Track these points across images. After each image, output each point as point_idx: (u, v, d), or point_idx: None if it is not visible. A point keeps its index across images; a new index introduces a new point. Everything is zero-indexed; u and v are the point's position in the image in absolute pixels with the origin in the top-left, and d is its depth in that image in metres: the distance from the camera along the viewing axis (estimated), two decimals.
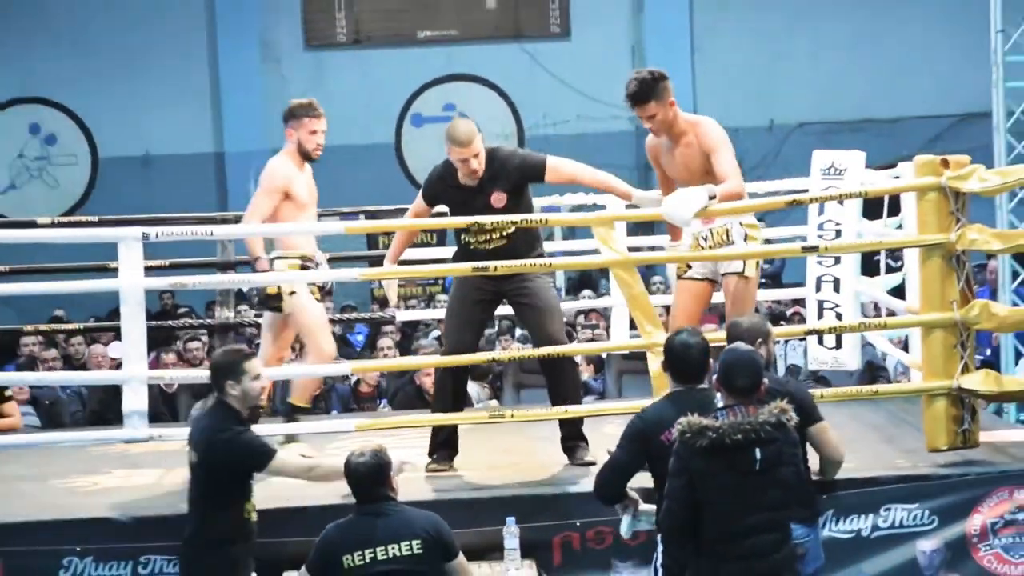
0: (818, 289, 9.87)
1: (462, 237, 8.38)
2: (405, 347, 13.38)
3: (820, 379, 11.04)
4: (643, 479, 6.68)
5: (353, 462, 6.55)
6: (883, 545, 7.81)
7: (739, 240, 8.20)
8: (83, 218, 14.17)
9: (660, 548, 6.63)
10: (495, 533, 7.36)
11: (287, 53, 21.37)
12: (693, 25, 20.92)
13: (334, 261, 9.89)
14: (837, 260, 9.72)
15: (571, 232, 14.62)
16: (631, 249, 9.32)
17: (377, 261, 8.98)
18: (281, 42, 21.37)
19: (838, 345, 9.77)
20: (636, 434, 6.55)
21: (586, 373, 11.81)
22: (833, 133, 19.61)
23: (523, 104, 21.44)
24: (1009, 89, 10.97)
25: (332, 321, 13.24)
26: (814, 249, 8.97)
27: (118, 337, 9.58)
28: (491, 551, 7.41)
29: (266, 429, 7.89)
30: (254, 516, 6.95)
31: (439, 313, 13.39)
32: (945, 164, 7.96)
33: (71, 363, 13.17)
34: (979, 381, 7.98)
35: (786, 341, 12.05)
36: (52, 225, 12.37)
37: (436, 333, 13.54)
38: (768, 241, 9.67)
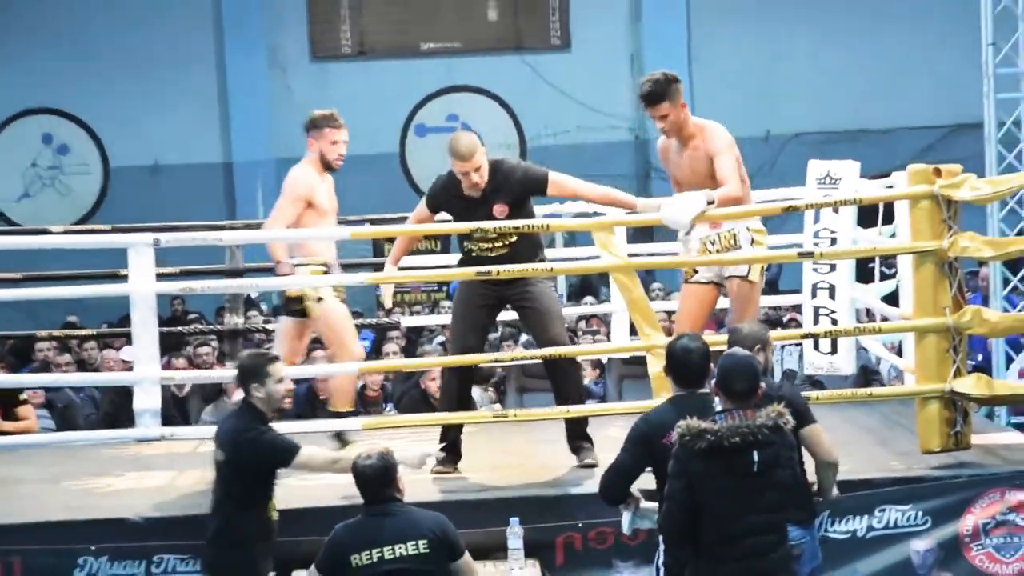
0: (814, 295, 9.89)
1: (465, 245, 8.41)
2: (410, 352, 13.39)
3: (816, 383, 11.05)
4: (645, 479, 6.70)
5: (360, 464, 6.57)
6: (878, 545, 7.82)
7: (746, 244, 8.25)
8: (95, 226, 14.20)
9: (662, 547, 6.64)
10: (499, 533, 7.37)
11: (293, 64, 21.38)
12: (691, 36, 20.93)
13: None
14: (832, 267, 9.74)
15: (572, 239, 14.66)
16: (631, 255, 9.34)
17: (382, 267, 8.99)
18: (287, 54, 21.39)
19: (833, 350, 9.79)
20: (640, 437, 6.57)
21: (588, 377, 11.82)
22: (828, 143, 19.63)
23: (524, 114, 21.45)
24: (1000, 100, 10.98)
25: None
26: (810, 255, 9.00)
27: (130, 342, 9.60)
28: (495, 551, 7.42)
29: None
30: (275, 516, 6.98)
31: (443, 319, 13.45)
32: (938, 173, 7.99)
33: (84, 368, 13.19)
34: (971, 385, 8.00)
35: (783, 346, 12.05)
36: (65, 233, 12.43)
37: (440, 338, 13.57)
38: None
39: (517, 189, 8.31)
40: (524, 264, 8.23)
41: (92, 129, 21.27)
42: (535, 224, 8.27)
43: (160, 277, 8.96)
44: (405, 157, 21.37)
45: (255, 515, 6.90)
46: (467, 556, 6.63)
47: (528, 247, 8.35)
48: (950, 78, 19.17)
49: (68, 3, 20.64)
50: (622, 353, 11.19)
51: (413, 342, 13.94)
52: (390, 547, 6.45)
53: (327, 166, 8.62)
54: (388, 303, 8.81)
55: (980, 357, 11.21)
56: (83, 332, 13.91)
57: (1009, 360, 11.02)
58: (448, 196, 8.43)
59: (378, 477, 6.56)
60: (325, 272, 8.52)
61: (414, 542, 6.47)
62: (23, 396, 10.51)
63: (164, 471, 8.91)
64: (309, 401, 11.53)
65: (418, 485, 7.56)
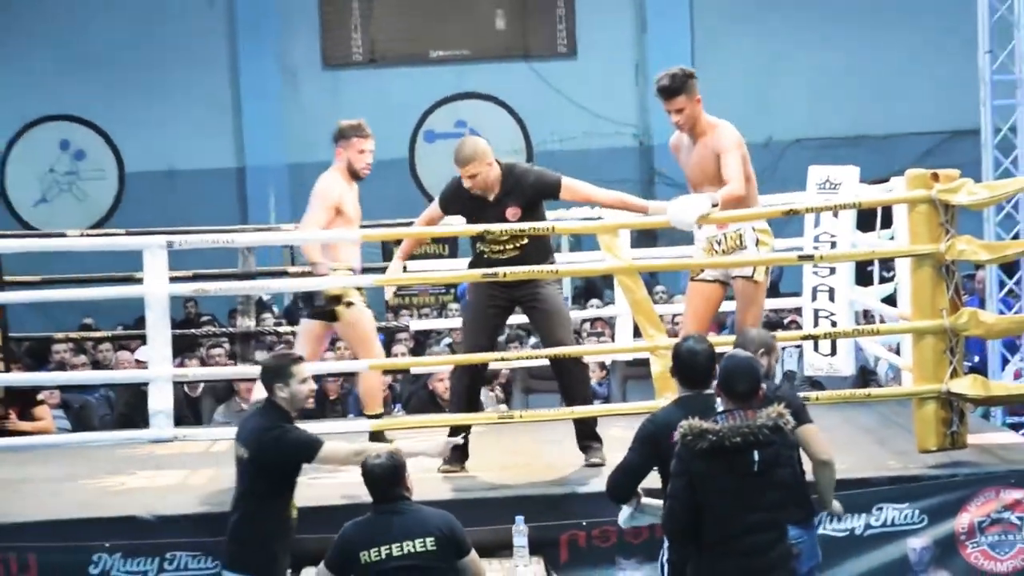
0: (814, 298, 9.89)
1: (477, 246, 8.44)
2: (418, 354, 13.38)
3: (815, 384, 11.04)
4: (650, 478, 6.70)
5: (370, 464, 6.58)
6: (875, 543, 7.83)
7: (751, 245, 8.25)
8: (111, 230, 14.21)
9: (666, 545, 6.63)
10: (505, 531, 7.38)
11: (305, 72, 21.39)
12: (694, 45, 20.92)
13: None
14: (832, 270, 9.73)
15: (577, 244, 14.66)
16: (635, 259, 9.34)
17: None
18: (300, 61, 21.39)
19: (833, 352, 9.79)
20: (647, 437, 6.56)
21: (593, 378, 11.82)
22: (828, 149, 19.58)
23: (531, 121, 21.44)
24: (996, 107, 10.97)
25: None
26: (810, 258, 9.00)
27: (144, 344, 9.61)
28: (501, 548, 7.42)
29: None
30: (295, 514, 6.99)
31: (451, 322, 13.46)
32: (935, 178, 7.99)
33: (99, 368, 13.19)
34: (967, 386, 8.00)
35: (783, 348, 12.04)
36: (81, 236, 12.43)
37: (448, 340, 13.57)
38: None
39: (530, 193, 8.33)
40: (530, 266, 8.24)
41: (108, 135, 21.28)
42: (540, 227, 8.27)
43: (174, 280, 8.97)
44: (414, 163, 21.37)
45: (276, 512, 6.90)
46: (474, 553, 6.63)
47: (538, 250, 8.37)
48: (948, 85, 19.15)
49: (86, 15, 20.64)
50: (626, 354, 11.19)
51: (421, 344, 13.94)
52: (399, 544, 6.46)
53: (354, 175, 8.65)
54: (387, 296, 8.75)
55: (976, 358, 11.20)
56: (99, 334, 13.93)
57: (1005, 361, 11.00)
58: (460, 198, 8.45)
59: (387, 476, 6.56)
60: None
61: (422, 539, 6.47)
62: (40, 397, 10.52)
63: (176, 470, 8.92)
64: (319, 401, 11.54)
65: (426, 484, 7.57)
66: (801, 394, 7.60)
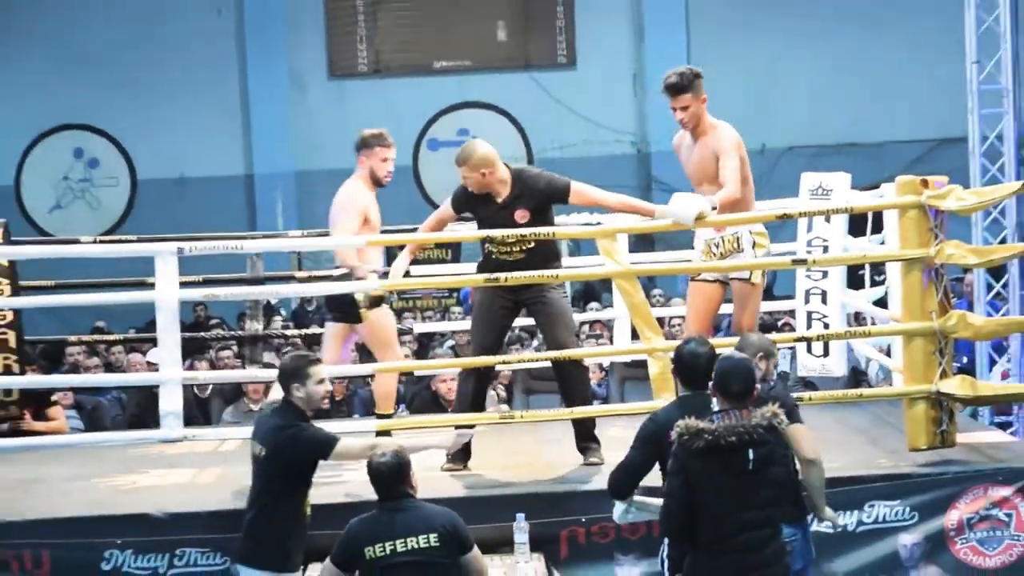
0: (807, 301, 9.87)
1: (486, 247, 8.48)
2: (422, 356, 13.38)
3: (808, 384, 11.04)
4: (649, 477, 6.69)
5: (375, 462, 6.57)
6: (867, 539, 7.83)
7: (748, 247, 8.28)
8: (123, 237, 14.21)
9: (666, 540, 6.62)
10: (506, 528, 7.37)
11: (312, 82, 21.40)
12: (690, 57, 20.89)
13: None
14: (824, 274, 9.72)
15: (577, 248, 14.64)
16: (633, 263, 9.33)
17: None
18: (307, 72, 21.40)
19: (826, 353, 9.77)
20: (649, 436, 6.56)
21: (592, 379, 11.82)
22: (821, 156, 19.62)
23: (532, 129, 21.45)
24: (983, 115, 10.97)
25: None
26: (803, 262, 8.99)
27: (155, 346, 9.61)
28: (503, 545, 7.41)
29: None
30: (309, 511, 6.98)
31: (453, 324, 13.46)
32: (925, 184, 7.99)
33: (112, 370, 13.19)
34: (956, 386, 7.99)
35: (776, 349, 12.02)
36: (94, 242, 12.44)
37: (451, 343, 13.56)
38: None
39: (539, 197, 8.35)
40: (530, 272, 8.25)
41: (121, 144, 21.30)
42: (541, 231, 8.27)
43: (184, 285, 8.98)
44: (418, 170, 21.36)
45: (292, 509, 6.89)
46: (476, 550, 6.62)
47: (544, 253, 8.38)
48: (936, 94, 19.16)
49: (99, 28, 20.66)
50: (624, 356, 11.18)
51: (425, 346, 13.93)
52: (402, 540, 6.45)
53: (376, 182, 8.66)
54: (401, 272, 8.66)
55: (965, 359, 11.19)
56: (111, 337, 13.92)
57: (992, 362, 11.00)
58: (470, 198, 8.48)
59: (392, 474, 6.56)
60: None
61: (425, 536, 6.46)
62: (54, 398, 10.52)
63: (186, 469, 8.93)
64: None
65: (430, 482, 7.56)
66: (794, 394, 7.59)
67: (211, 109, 20.90)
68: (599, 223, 9.64)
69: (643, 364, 8.52)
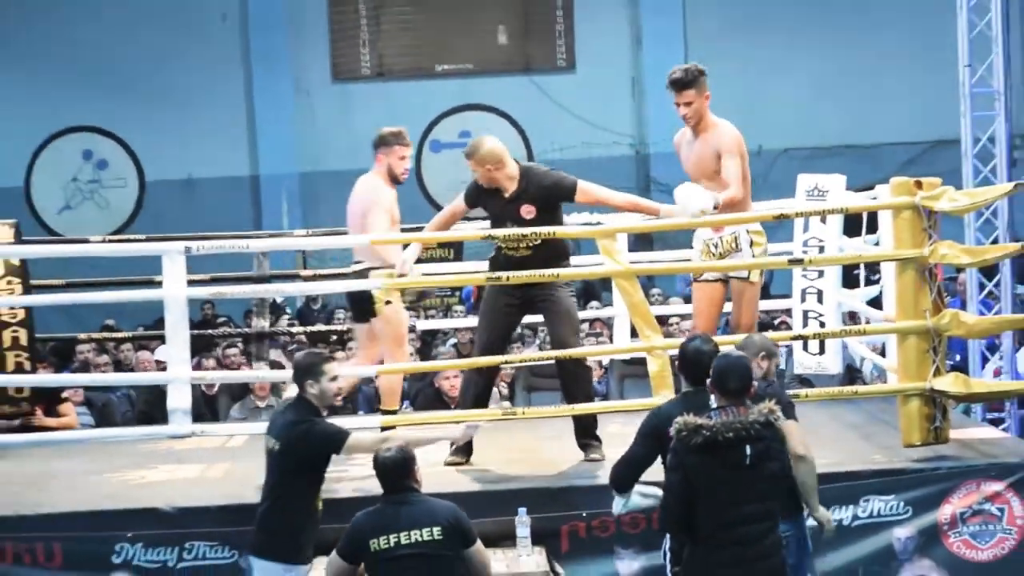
0: (803, 300, 9.89)
1: (496, 241, 8.49)
2: (425, 354, 13.39)
3: (804, 381, 11.05)
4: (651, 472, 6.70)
5: (381, 456, 6.59)
6: (862, 533, 7.84)
7: (745, 247, 8.30)
8: (131, 236, 14.21)
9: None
10: (508, 523, 7.39)
11: (316, 85, 21.38)
12: (687, 59, 20.80)
13: None
14: (820, 273, 9.73)
15: (577, 248, 14.63)
16: (632, 263, 9.34)
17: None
18: (311, 75, 21.38)
19: (821, 351, 9.79)
20: (652, 430, 6.57)
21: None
22: (816, 158, 19.61)
23: (532, 131, 21.43)
24: (975, 118, 10.96)
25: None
26: (799, 262, 9.00)
27: (163, 344, 9.61)
28: (505, 539, 7.43)
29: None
30: (321, 506, 6.98)
31: (456, 322, 13.47)
32: (919, 185, 7.99)
33: (121, 368, 13.19)
34: (949, 383, 8.00)
35: None
36: (103, 242, 12.45)
37: (453, 340, 13.56)
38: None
39: (545, 193, 8.38)
40: (538, 269, 8.26)
41: (129, 146, 21.29)
42: (541, 231, 8.28)
43: (192, 283, 8.98)
44: (421, 171, 21.34)
45: (304, 503, 6.90)
46: (479, 543, 6.64)
47: (551, 251, 8.39)
48: (929, 97, 19.14)
49: (108, 33, 20.60)
50: (623, 354, 11.18)
51: (428, 344, 13.94)
52: (407, 533, 6.47)
53: (394, 179, 8.67)
54: (408, 268, 8.64)
55: (958, 357, 11.19)
56: (120, 334, 13.92)
57: (985, 360, 11.00)
58: (481, 193, 8.52)
59: (397, 468, 6.57)
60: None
61: (429, 529, 6.48)
62: (64, 395, 10.52)
63: (195, 464, 8.93)
64: None
65: (434, 477, 7.55)
66: (791, 391, 7.60)
67: (217, 112, 20.89)
68: (599, 223, 9.65)
69: (642, 362, 8.52)
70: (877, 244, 9.45)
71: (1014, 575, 7.91)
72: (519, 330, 12.34)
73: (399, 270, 8.33)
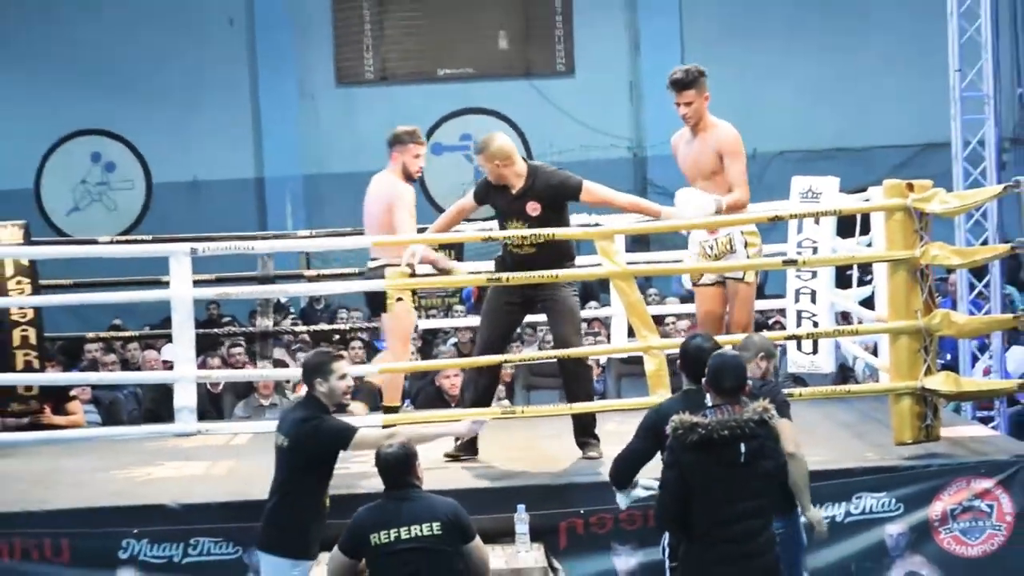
0: (797, 300, 9.88)
1: (502, 238, 8.51)
2: (426, 353, 13.39)
3: (798, 380, 11.04)
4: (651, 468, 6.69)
5: (383, 452, 6.58)
6: (855, 529, 7.83)
7: (740, 248, 8.31)
8: (138, 237, 14.21)
9: None
10: (507, 519, 7.39)
11: (321, 89, 21.38)
12: (684, 64, 20.91)
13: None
14: (814, 274, 9.72)
15: (576, 249, 14.62)
16: (629, 263, 9.33)
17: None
18: (315, 79, 21.38)
19: (815, 350, 9.78)
20: (652, 426, 6.57)
21: None
22: (810, 160, 19.59)
23: (532, 134, 21.41)
24: (966, 121, 10.97)
25: (359, 329, 13.31)
26: (793, 262, 9.00)
27: (170, 343, 9.60)
28: (504, 535, 7.43)
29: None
30: (328, 502, 6.97)
31: (456, 322, 13.46)
32: (910, 188, 7.99)
33: (128, 367, 13.20)
34: (940, 382, 8.00)
35: None
36: (111, 243, 12.45)
37: (454, 340, 13.55)
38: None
39: (551, 191, 8.39)
40: (541, 269, 8.27)
41: (136, 148, 21.28)
42: (542, 233, 8.27)
43: (197, 284, 8.97)
44: (423, 174, 21.33)
45: (312, 499, 6.89)
46: (478, 539, 6.62)
47: (555, 250, 8.41)
48: (921, 101, 19.13)
49: (116, 37, 20.59)
50: (621, 353, 11.18)
51: (429, 343, 13.93)
52: (407, 528, 6.45)
53: (408, 177, 8.68)
54: (417, 260, 8.61)
55: (949, 356, 11.20)
56: (127, 334, 13.91)
57: (975, 359, 11.01)
58: (489, 189, 8.54)
59: (399, 464, 6.56)
60: (412, 275, 8.47)
61: (429, 524, 6.46)
62: (72, 393, 10.53)
63: (200, 462, 8.93)
64: None
65: (434, 474, 7.55)
66: (785, 390, 7.60)
67: (223, 115, 20.88)
68: (597, 224, 9.65)
69: (639, 361, 8.52)
70: (870, 245, 9.44)
71: (1003, 571, 7.91)
72: (518, 329, 12.34)
73: (405, 260, 8.33)
